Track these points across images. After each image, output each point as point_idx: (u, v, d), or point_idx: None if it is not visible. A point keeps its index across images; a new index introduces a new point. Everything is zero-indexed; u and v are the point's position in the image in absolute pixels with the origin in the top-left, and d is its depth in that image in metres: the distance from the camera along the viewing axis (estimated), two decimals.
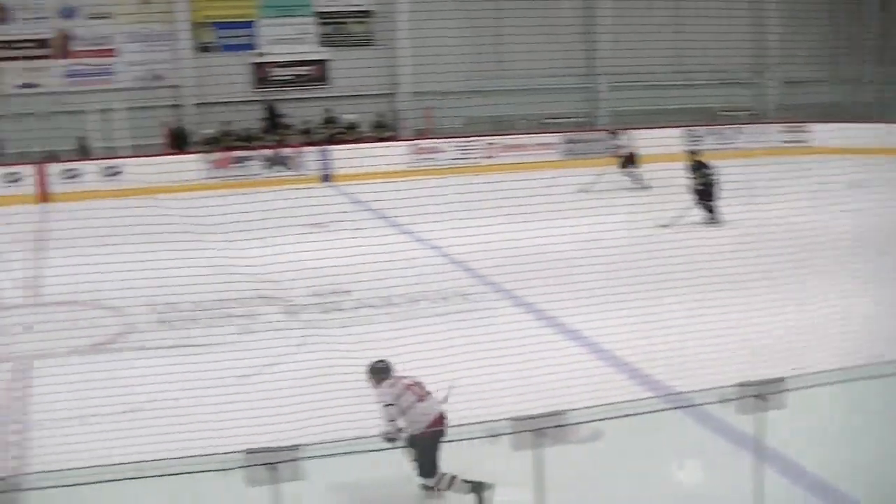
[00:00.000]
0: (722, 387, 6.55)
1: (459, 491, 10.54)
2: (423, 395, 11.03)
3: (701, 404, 6.60)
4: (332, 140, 33.96)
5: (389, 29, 35.96)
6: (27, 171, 30.92)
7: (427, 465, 10.43)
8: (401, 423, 10.43)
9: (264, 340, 15.10)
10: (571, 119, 37.03)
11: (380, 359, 11.19)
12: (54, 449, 10.23)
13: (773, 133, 35.82)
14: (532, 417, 6.96)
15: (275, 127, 34.65)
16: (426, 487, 10.56)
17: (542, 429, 6.94)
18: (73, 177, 30.96)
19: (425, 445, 10.46)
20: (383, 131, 35.25)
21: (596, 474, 9.80)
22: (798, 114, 36.70)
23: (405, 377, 11.22)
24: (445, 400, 10.72)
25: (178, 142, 33.65)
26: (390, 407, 10.52)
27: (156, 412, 11.64)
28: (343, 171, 32.27)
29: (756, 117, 38.23)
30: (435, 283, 17.42)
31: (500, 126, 35.44)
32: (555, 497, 7.45)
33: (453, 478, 10.42)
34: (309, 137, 34.19)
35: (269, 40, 35.84)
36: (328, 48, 36.43)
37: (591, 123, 37.49)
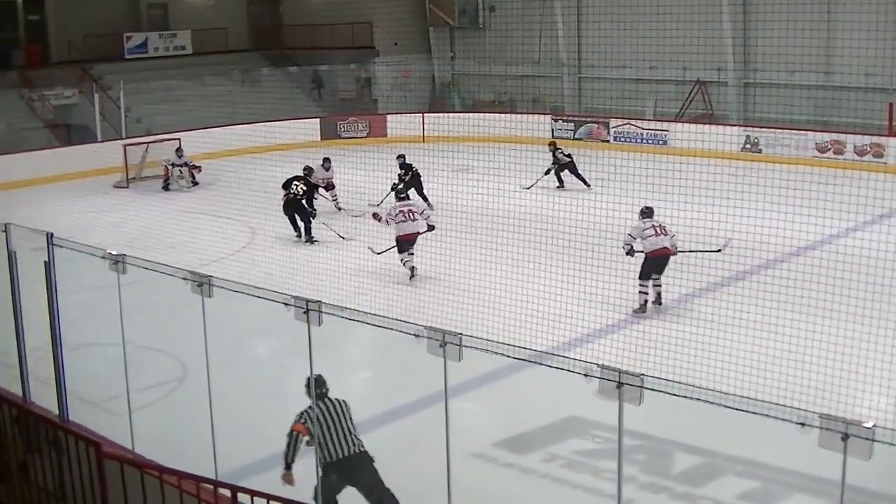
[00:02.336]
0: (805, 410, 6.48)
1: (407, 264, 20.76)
2: (410, 218, 20.82)
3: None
4: None
5: None
6: None
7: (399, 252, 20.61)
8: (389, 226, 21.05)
9: None
10: None
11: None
12: None
13: None
14: (627, 373, 7.03)
15: None
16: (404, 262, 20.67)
17: (624, 384, 6.99)
18: None
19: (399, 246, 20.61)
20: None
21: None
22: None
23: (412, 204, 21.71)
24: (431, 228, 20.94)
25: None
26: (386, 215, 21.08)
27: None
28: None
29: None
30: None
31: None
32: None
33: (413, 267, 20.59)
34: None
35: None
36: None
37: None
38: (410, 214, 20.89)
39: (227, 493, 8.32)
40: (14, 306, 11.88)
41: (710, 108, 38.20)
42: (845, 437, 6.24)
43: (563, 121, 39.83)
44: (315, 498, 10.42)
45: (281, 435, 12.96)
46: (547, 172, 29.72)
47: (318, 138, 40.35)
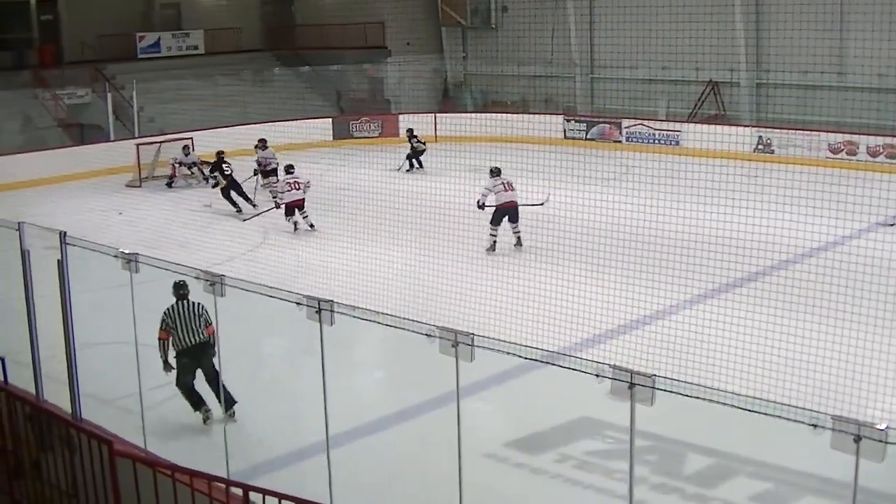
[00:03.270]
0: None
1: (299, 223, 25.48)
2: (296, 188, 26.05)
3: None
4: None
5: None
6: None
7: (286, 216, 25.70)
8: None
9: None
10: None
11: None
12: None
13: None
14: (639, 373, 7.03)
15: None
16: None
17: (636, 385, 7.00)
18: None
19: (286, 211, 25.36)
20: None
21: None
22: None
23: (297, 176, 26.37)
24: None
25: None
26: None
27: None
28: None
29: None
30: None
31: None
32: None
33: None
34: None
35: None
36: None
37: None
38: (296, 185, 26.13)
39: (238, 491, 8.34)
40: (27, 305, 11.90)
41: (722, 109, 38.16)
42: (858, 438, 6.23)
43: (576, 121, 39.81)
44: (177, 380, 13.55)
45: (292, 434, 13.04)
46: (407, 158, 34.12)
47: (331, 138, 40.38)
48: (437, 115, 41.83)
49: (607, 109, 40.21)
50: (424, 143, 34.72)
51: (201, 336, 13.49)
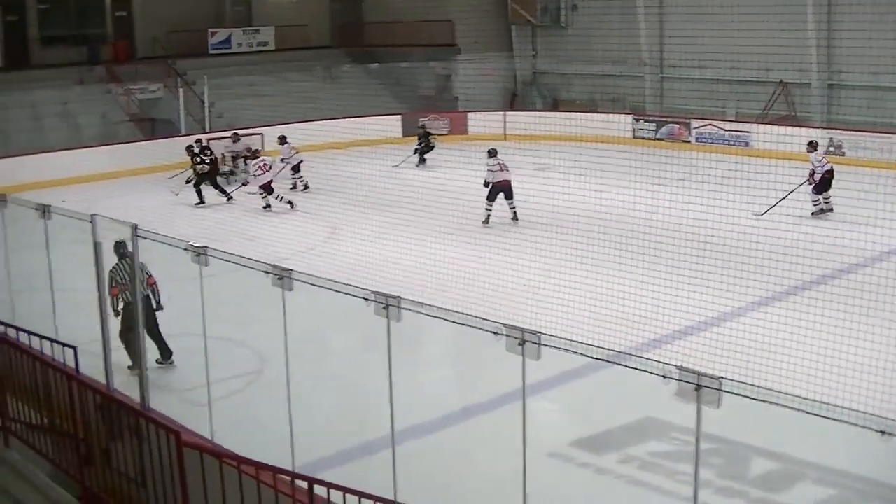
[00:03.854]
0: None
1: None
2: (266, 170, 29.03)
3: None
4: None
5: None
6: None
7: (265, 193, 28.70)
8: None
9: None
10: None
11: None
12: None
13: None
14: (706, 375, 7.00)
15: None
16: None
17: (703, 387, 6.97)
18: None
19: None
20: None
21: None
22: None
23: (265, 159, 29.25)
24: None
25: None
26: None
27: None
28: None
29: None
30: None
31: None
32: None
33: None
34: None
35: None
36: None
37: None
38: (266, 167, 29.07)
39: (303, 484, 8.40)
40: (99, 296, 12.06)
41: (792, 110, 37.81)
42: None
43: (645, 121, 39.63)
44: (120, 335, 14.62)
45: (358, 429, 13.09)
46: (415, 152, 34.81)
47: (400, 135, 40.49)
48: (506, 113, 41.80)
49: (676, 109, 39.98)
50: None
51: (143, 289, 14.81)
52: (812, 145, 27.01)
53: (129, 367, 14.49)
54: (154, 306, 15.65)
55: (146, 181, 33.46)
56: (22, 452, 10.50)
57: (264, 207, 28.89)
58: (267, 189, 29.00)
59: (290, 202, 29.09)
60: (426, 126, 36.85)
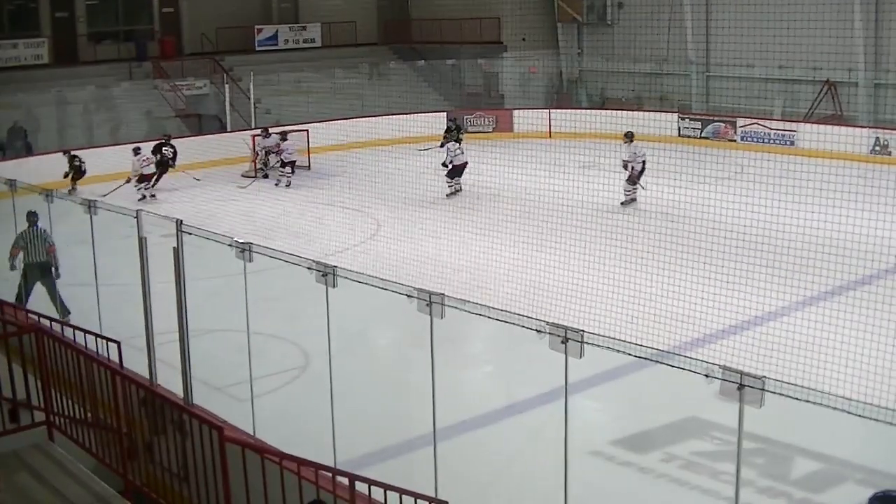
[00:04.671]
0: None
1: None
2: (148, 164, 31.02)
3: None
4: None
5: None
6: None
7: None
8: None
9: None
10: None
11: None
12: None
13: None
14: (749, 375, 6.96)
15: None
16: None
17: (746, 386, 6.93)
18: None
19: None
20: None
21: None
22: None
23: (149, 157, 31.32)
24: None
25: None
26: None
27: None
28: None
29: None
30: None
31: None
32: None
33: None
34: None
35: None
36: None
37: None
38: (147, 161, 31.16)
39: (344, 481, 8.42)
40: (143, 291, 12.13)
41: (839, 109, 37.53)
42: None
43: (690, 119, 39.44)
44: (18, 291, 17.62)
45: (400, 426, 13.11)
46: (441, 145, 33.85)
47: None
48: (552, 110, 41.73)
49: (722, 108, 39.75)
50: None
51: (44, 256, 17.77)
52: (629, 136, 27.82)
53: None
54: (54, 273, 18.06)
55: (194, 177, 33.62)
56: (65, 446, 10.57)
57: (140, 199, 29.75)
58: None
59: (153, 195, 30.97)
60: (457, 119, 36.86)
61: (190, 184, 32.28)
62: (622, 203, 26.79)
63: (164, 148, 32.84)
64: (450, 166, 29.75)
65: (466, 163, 29.84)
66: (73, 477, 9.81)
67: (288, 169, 32.54)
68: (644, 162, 27.30)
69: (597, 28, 45.71)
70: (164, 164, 32.44)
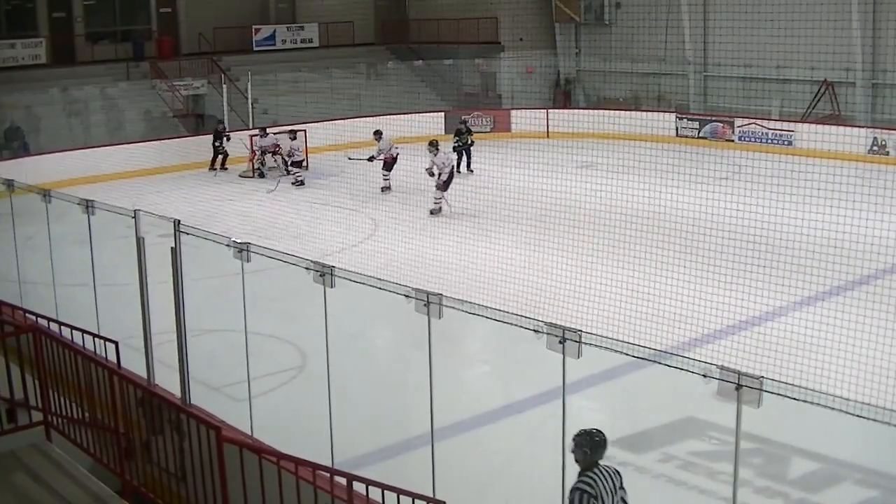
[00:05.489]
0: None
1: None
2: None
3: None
4: None
5: None
6: None
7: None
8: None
9: None
10: None
11: None
12: None
13: None
14: (747, 375, 6.97)
15: None
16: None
17: (743, 386, 6.94)
18: None
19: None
20: None
21: None
22: None
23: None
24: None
25: None
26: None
27: None
28: None
29: None
30: None
31: None
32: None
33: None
34: None
35: None
36: None
37: None
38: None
39: (342, 481, 8.42)
40: (141, 291, 12.13)
41: (836, 109, 37.54)
42: None
43: (688, 119, 39.45)
44: None
45: (397, 426, 13.10)
46: (454, 150, 32.70)
47: (443, 132, 40.52)
48: (549, 110, 41.74)
49: (720, 108, 39.78)
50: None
51: None
52: (433, 145, 27.75)
53: None
54: None
55: (191, 177, 33.64)
56: (63, 446, 10.57)
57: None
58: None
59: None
60: (468, 122, 36.01)
61: (188, 184, 32.30)
62: (431, 211, 26.82)
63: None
64: (437, 179, 27.44)
65: (452, 176, 27.63)
66: (70, 477, 9.81)
67: (296, 169, 32.52)
68: (452, 170, 27.46)
69: (594, 28, 45.71)
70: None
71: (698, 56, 41.98)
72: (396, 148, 30.68)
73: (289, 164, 32.86)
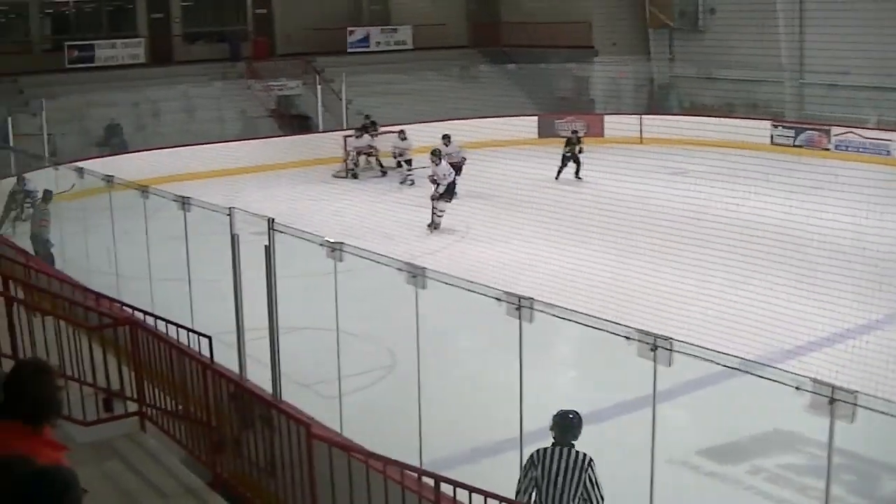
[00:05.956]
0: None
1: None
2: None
3: None
4: None
5: None
6: None
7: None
8: None
9: None
10: None
11: None
12: None
13: None
14: (840, 389, 6.89)
15: None
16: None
17: (837, 400, 6.85)
18: None
19: None
20: None
21: None
22: None
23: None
24: None
25: None
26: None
27: None
28: None
29: None
30: None
31: None
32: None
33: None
34: None
35: None
36: None
37: None
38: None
39: (430, 481, 8.45)
40: (235, 287, 12.28)
41: None
42: None
43: (783, 127, 39.01)
44: None
45: (486, 429, 13.10)
46: (563, 161, 32.37)
47: (536, 136, 40.50)
48: (643, 116, 41.52)
49: (816, 116, 39.27)
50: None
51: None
52: (435, 154, 27.59)
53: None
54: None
55: (285, 176, 33.93)
56: (157, 437, 10.74)
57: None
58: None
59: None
60: (578, 132, 34.51)
61: (283, 182, 32.57)
62: (428, 225, 26.52)
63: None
64: (435, 191, 26.90)
65: (452, 189, 26.98)
66: (163, 467, 9.96)
67: (406, 167, 33.00)
68: (453, 183, 27.08)
69: (688, 34, 45.29)
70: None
71: (794, 63, 41.48)
72: (463, 153, 30.72)
73: (401, 164, 33.11)
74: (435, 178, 26.94)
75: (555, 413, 8.68)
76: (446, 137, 31.29)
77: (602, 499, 8.90)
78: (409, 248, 20.44)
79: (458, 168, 29.27)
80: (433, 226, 26.46)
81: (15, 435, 5.31)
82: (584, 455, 8.85)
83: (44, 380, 5.53)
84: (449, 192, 26.74)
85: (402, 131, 33.77)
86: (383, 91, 42.66)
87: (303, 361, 14.76)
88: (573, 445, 8.95)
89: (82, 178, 18.60)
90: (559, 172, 31.71)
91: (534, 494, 8.95)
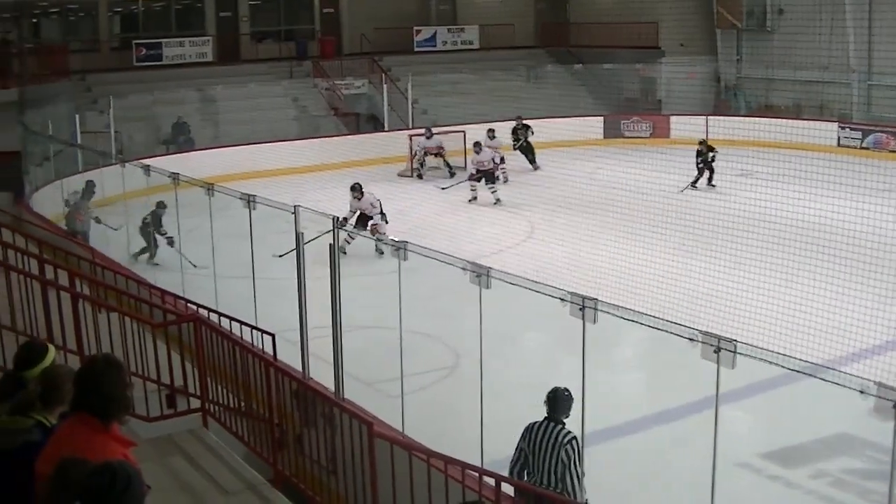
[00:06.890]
0: None
1: None
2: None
3: None
4: None
5: None
6: None
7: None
8: None
9: None
10: None
11: None
12: None
13: None
14: None
15: None
16: None
17: None
18: None
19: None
20: None
21: None
22: None
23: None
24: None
25: None
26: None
27: None
28: None
29: None
30: None
31: None
32: None
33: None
34: None
35: None
36: None
37: None
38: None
39: (491, 481, 8.47)
40: (299, 285, 12.35)
41: None
42: None
43: (851, 129, 38.59)
44: None
45: None
46: (699, 170, 31.02)
47: (602, 136, 40.37)
48: (710, 117, 41.23)
49: (884, 118, 38.81)
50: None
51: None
52: (477, 145, 30.54)
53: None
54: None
55: (351, 175, 34.03)
56: (219, 433, 10.83)
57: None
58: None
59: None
60: (708, 141, 32.39)
61: (349, 181, 32.69)
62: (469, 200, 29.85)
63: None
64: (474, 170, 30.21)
65: (489, 173, 30.02)
66: (224, 463, 10.05)
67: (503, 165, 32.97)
68: (490, 168, 29.95)
69: (756, 34, 44.90)
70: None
71: (862, 64, 41.02)
72: (502, 154, 31.57)
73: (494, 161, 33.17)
74: (478, 166, 29.54)
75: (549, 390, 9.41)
76: (491, 132, 32.39)
77: (580, 476, 9.30)
78: (473, 247, 20.43)
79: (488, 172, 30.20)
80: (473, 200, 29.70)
81: (84, 429, 5.38)
82: (568, 432, 9.37)
83: (115, 376, 5.59)
84: (487, 177, 29.51)
85: (491, 129, 33.56)
86: (450, 90, 42.74)
87: (365, 360, 14.83)
88: (563, 422, 9.50)
89: (149, 176, 18.75)
90: (695, 182, 31.05)
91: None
